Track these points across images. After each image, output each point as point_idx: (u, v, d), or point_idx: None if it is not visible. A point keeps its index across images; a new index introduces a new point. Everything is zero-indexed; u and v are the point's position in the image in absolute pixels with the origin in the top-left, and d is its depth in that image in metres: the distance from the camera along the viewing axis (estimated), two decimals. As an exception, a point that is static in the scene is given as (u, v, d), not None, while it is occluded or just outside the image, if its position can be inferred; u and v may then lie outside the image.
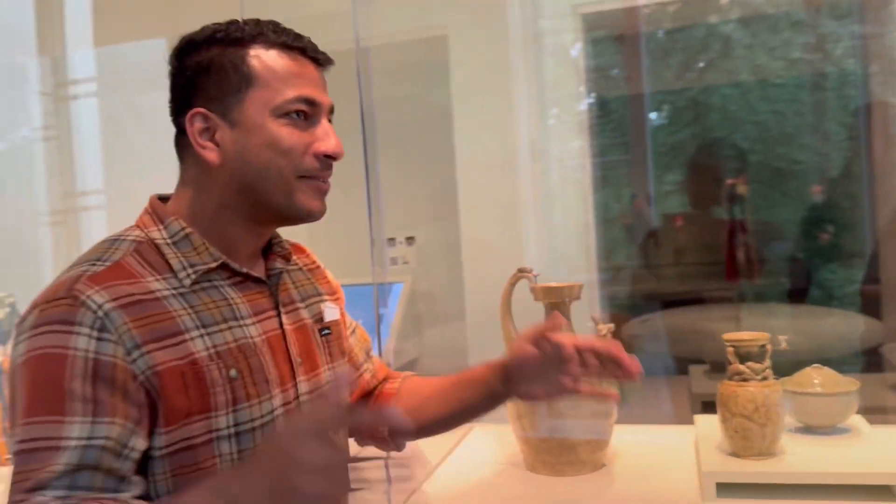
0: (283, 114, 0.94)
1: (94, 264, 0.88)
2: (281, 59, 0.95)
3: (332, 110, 1.01)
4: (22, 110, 2.85)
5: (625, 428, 1.70)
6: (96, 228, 2.90)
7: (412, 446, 1.53)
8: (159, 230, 0.95)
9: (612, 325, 1.49)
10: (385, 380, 1.26)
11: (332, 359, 1.08)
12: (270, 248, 1.05)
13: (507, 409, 1.46)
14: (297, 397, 0.99)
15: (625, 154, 3.91)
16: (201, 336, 0.90)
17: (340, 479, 0.79)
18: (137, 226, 0.97)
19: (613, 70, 3.44)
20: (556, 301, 1.48)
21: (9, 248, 2.63)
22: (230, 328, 0.93)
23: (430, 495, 1.39)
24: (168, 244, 0.94)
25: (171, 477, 0.86)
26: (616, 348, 1.04)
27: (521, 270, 1.52)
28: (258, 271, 1.01)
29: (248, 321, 0.96)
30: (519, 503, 1.33)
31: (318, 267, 1.18)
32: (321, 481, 0.75)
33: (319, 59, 0.99)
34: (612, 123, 3.87)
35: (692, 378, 2.37)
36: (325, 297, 1.12)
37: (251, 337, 0.95)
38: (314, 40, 1.01)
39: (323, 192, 0.99)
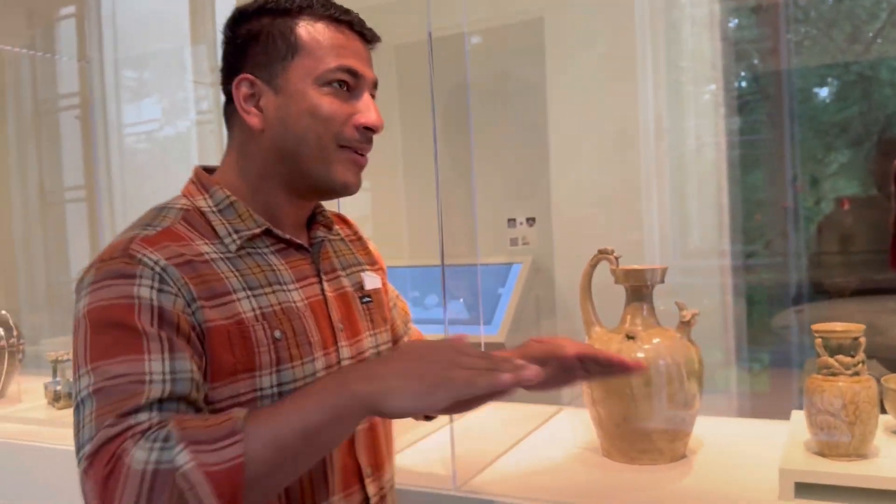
0: (325, 83, 0.95)
1: (145, 229, 0.91)
2: (327, 31, 0.97)
3: (375, 85, 1.02)
4: (182, 97, 3.10)
5: (717, 420, 1.62)
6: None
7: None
8: (205, 198, 0.98)
9: (696, 311, 1.42)
10: None
11: (373, 325, 1.09)
12: (314, 218, 1.07)
13: (584, 393, 1.44)
14: (338, 362, 1.00)
15: (780, 132, 3.64)
16: (248, 297, 0.91)
17: (492, 377, 0.79)
18: (184, 195, 1.00)
19: (762, 42, 3.21)
20: (638, 284, 1.44)
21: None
22: (274, 292, 0.95)
23: (499, 471, 1.40)
24: (214, 212, 0.96)
25: None
26: (612, 354, 1.06)
27: (601, 252, 1.48)
28: (301, 239, 1.03)
29: (291, 286, 0.97)
30: (585, 487, 1.31)
31: (360, 238, 1.19)
32: (475, 372, 0.78)
33: (366, 35, 1.01)
34: (767, 101, 3.62)
35: (805, 371, 2.19)
36: (366, 267, 1.13)
37: (294, 301, 0.96)
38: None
39: (360, 167, 1.00)
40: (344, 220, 1.19)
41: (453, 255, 2.90)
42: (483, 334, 2.77)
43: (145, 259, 0.86)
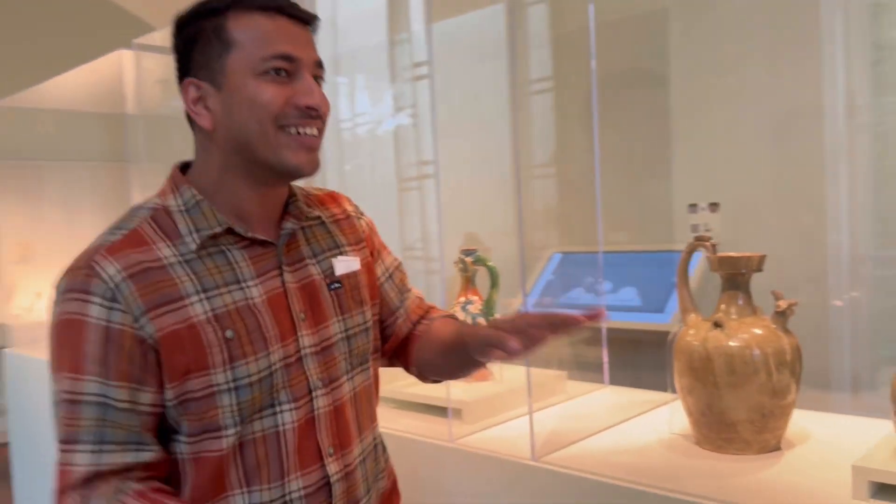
0: (262, 72, 0.97)
1: (113, 234, 0.98)
2: (258, 21, 0.98)
3: (319, 64, 1.03)
4: (385, 90, 3.36)
5: (834, 416, 1.54)
6: (432, 195, 3.34)
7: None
8: (175, 197, 1.02)
9: (794, 301, 1.37)
10: (420, 320, 1.26)
11: (342, 311, 1.10)
12: (288, 208, 1.09)
13: (677, 382, 1.44)
14: (299, 351, 1.04)
15: None
16: (200, 301, 0.96)
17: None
18: (159, 193, 1.04)
19: None
20: (733, 272, 1.41)
21: (375, 212, 3.22)
22: (230, 291, 0.99)
23: (584, 449, 1.46)
24: (181, 211, 1.00)
25: (187, 421, 0.96)
26: (569, 315, 1.01)
27: (698, 238, 1.47)
28: (269, 233, 1.06)
29: (251, 282, 1.01)
30: (661, 470, 1.33)
31: (348, 217, 1.19)
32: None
33: (300, 16, 1.02)
34: None
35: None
36: (346, 249, 1.14)
37: (252, 298, 1.00)
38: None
39: (308, 147, 1.01)
40: (333, 199, 1.20)
41: (626, 242, 2.92)
42: (652, 322, 2.76)
43: (102, 274, 0.93)
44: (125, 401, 0.93)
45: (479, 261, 1.76)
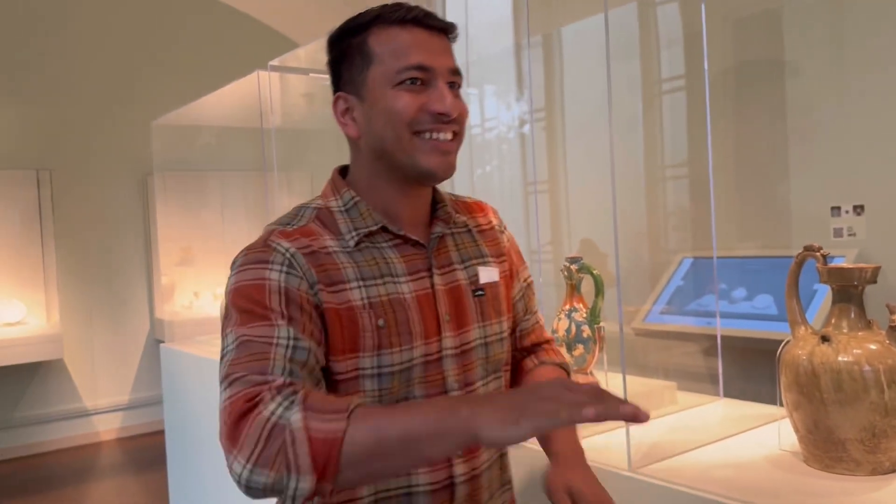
0: (398, 83, 1.03)
1: (283, 225, 1.06)
2: (395, 35, 1.04)
3: (455, 72, 1.07)
4: (511, 95, 3.39)
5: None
6: (559, 199, 3.35)
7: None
8: (336, 199, 1.10)
9: (911, 315, 1.28)
10: (532, 348, 1.27)
11: (482, 318, 1.13)
12: (435, 213, 1.14)
13: (784, 397, 1.39)
14: (440, 351, 1.08)
15: None
16: (359, 287, 1.03)
17: (573, 411, 0.75)
18: (321, 195, 1.13)
19: None
20: (845, 284, 1.35)
21: (502, 216, 3.28)
22: (385, 283, 1.05)
23: (685, 461, 1.44)
24: (341, 211, 1.08)
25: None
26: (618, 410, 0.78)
27: (807, 248, 1.41)
28: (419, 234, 1.11)
29: (402, 279, 1.06)
30: (762, 486, 1.29)
31: (492, 228, 1.23)
32: (560, 405, 0.75)
33: (436, 27, 1.06)
34: None
35: None
36: (489, 259, 1.18)
37: (402, 293, 1.05)
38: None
39: (441, 151, 1.05)
40: (480, 209, 1.25)
41: (760, 247, 2.82)
42: (785, 332, 2.64)
43: (278, 247, 1.01)
44: (309, 349, 0.96)
45: (585, 269, 1.77)
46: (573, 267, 1.79)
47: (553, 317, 1.83)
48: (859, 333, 1.31)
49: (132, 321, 5.81)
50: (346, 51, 1.07)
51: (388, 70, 1.04)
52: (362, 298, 1.02)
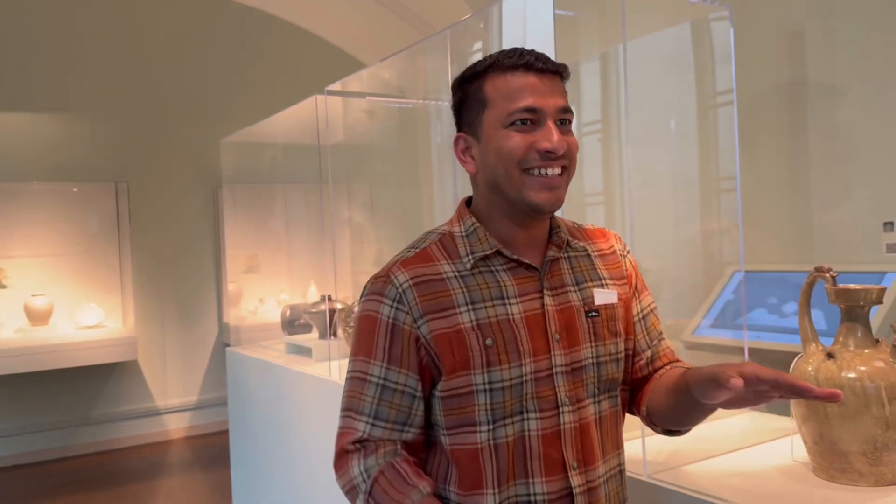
0: (508, 124, 1.14)
1: (408, 251, 1.21)
2: (508, 80, 1.15)
3: (564, 110, 1.15)
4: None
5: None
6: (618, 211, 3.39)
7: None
8: (459, 225, 1.22)
9: (913, 335, 1.35)
10: (662, 367, 1.31)
11: (596, 338, 1.21)
12: (550, 238, 1.23)
13: (793, 410, 1.47)
14: (550, 368, 1.16)
15: None
16: (468, 311, 1.14)
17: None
18: (449, 222, 1.25)
19: None
20: (852, 304, 1.42)
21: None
22: (493, 306, 1.15)
23: (699, 469, 1.52)
24: (462, 236, 1.20)
25: (444, 415, 1.16)
26: (804, 385, 0.99)
27: (818, 270, 1.49)
28: (533, 258, 1.20)
29: (513, 300, 1.16)
30: (772, 494, 1.37)
31: (614, 252, 1.29)
32: None
33: (547, 70, 1.15)
34: None
35: None
36: (607, 282, 1.24)
37: (511, 314, 1.15)
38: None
39: (549, 186, 1.14)
40: (602, 235, 1.32)
41: (810, 263, 2.86)
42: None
43: (395, 281, 1.16)
44: (400, 384, 1.15)
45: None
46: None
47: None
48: (865, 351, 1.38)
49: (202, 325, 6.10)
50: (466, 96, 1.20)
51: (500, 112, 1.14)
52: (471, 321, 1.14)
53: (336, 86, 2.78)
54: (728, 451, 1.62)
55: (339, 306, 3.22)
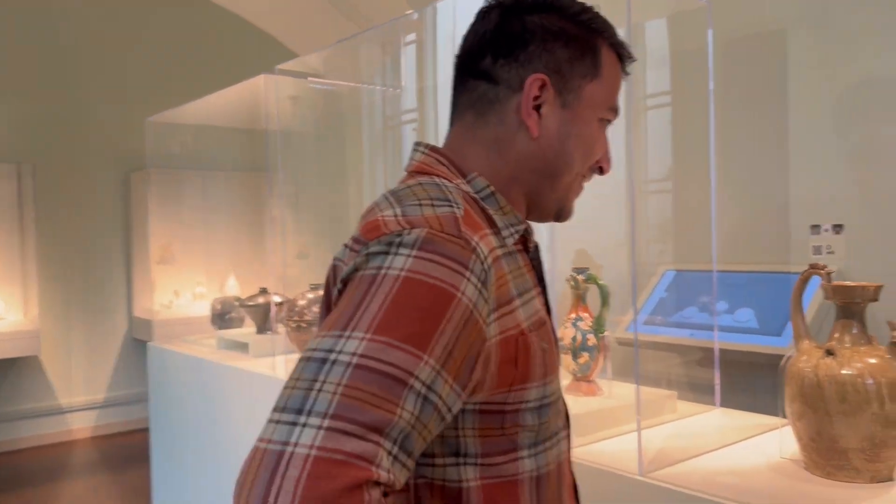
0: (602, 117, 0.93)
1: (452, 206, 0.80)
2: (616, 67, 0.94)
3: None
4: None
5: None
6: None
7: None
8: (463, 183, 0.88)
9: (910, 332, 1.36)
10: None
11: None
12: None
13: (787, 407, 1.46)
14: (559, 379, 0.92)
15: None
16: (522, 305, 0.83)
17: None
18: (437, 174, 0.88)
19: None
20: (847, 301, 1.42)
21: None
22: (531, 299, 0.86)
23: (692, 467, 1.50)
24: (478, 200, 0.87)
25: (479, 436, 0.81)
26: None
27: (813, 267, 1.49)
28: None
29: (534, 292, 0.88)
30: (767, 492, 1.35)
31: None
32: None
33: (628, 75, 0.97)
34: None
35: None
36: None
37: (540, 310, 0.88)
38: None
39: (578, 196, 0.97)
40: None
41: (743, 262, 2.91)
42: (769, 346, 2.72)
43: (479, 249, 0.77)
44: (442, 400, 0.72)
45: (591, 279, 1.83)
46: (580, 277, 1.85)
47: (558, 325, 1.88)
48: (861, 348, 1.39)
49: (110, 319, 5.76)
50: (576, 40, 0.90)
51: (605, 98, 0.92)
52: (527, 318, 0.83)
53: (287, 65, 2.64)
54: (714, 449, 1.60)
55: (277, 299, 3.07)
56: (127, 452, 5.06)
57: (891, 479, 1.37)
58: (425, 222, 0.77)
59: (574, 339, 1.84)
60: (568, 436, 0.97)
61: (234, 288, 4.54)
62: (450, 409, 0.74)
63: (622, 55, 0.94)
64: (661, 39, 3.16)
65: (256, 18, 6.00)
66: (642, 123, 3.18)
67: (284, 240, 3.75)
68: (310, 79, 3.21)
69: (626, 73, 0.96)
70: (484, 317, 0.76)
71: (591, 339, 1.83)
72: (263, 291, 3.16)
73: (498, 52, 0.89)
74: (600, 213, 3.08)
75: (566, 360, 1.87)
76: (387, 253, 0.74)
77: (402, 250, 0.74)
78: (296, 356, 2.70)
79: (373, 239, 0.77)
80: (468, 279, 0.74)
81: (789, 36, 2.68)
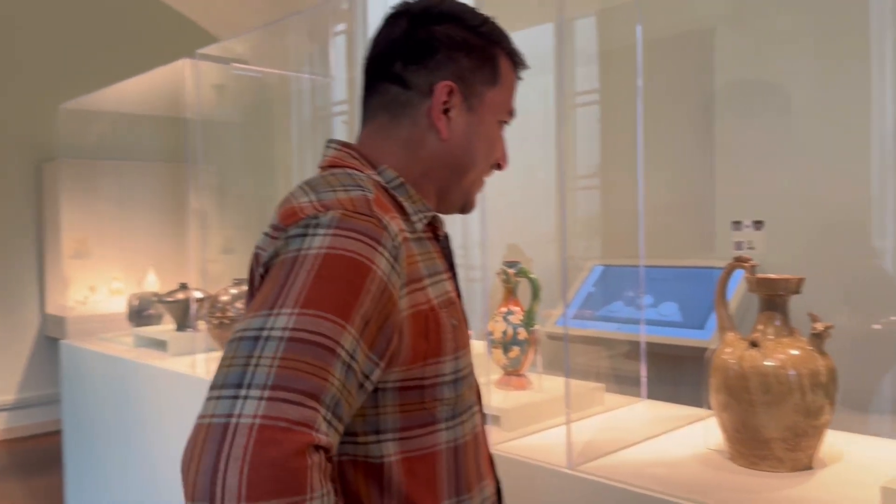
0: (500, 120, 1.03)
1: (360, 190, 0.87)
2: (511, 73, 1.04)
3: None
4: None
5: (862, 438, 1.56)
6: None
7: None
8: (375, 175, 0.95)
9: (830, 324, 1.39)
10: None
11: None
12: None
13: (712, 398, 1.48)
14: (470, 354, 1.00)
15: None
16: (431, 284, 0.91)
17: None
18: (349, 166, 0.95)
19: None
20: (771, 294, 1.44)
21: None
22: (441, 280, 0.94)
23: (619, 460, 1.50)
24: (388, 189, 0.94)
25: (400, 412, 0.87)
26: None
27: (737, 260, 1.51)
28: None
29: (444, 276, 0.96)
30: (693, 483, 1.36)
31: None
32: None
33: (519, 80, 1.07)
34: None
35: None
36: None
37: (449, 292, 0.95)
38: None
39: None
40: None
41: (668, 257, 2.96)
42: (692, 339, 2.77)
43: (389, 227, 0.84)
44: (360, 369, 0.78)
45: (522, 273, 1.82)
46: (511, 271, 1.83)
47: (489, 318, 1.87)
48: (784, 339, 1.41)
49: (20, 316, 5.48)
50: (473, 48, 0.98)
51: (504, 102, 1.03)
52: (437, 296, 0.91)
53: (208, 50, 2.54)
54: (641, 441, 1.61)
55: (198, 295, 2.97)
56: (39, 456, 4.83)
57: (811, 468, 1.40)
58: (339, 205, 0.83)
59: (505, 332, 1.82)
60: (480, 410, 1.04)
61: (153, 283, 4.38)
62: (367, 377, 0.80)
63: (516, 63, 1.04)
64: (591, 37, 3.19)
65: (175, 1, 5.79)
66: (572, 120, 3.21)
67: (207, 233, 3.64)
68: (234, 65, 3.11)
69: (520, 79, 1.06)
70: (397, 289, 0.83)
71: (522, 333, 1.81)
72: (183, 287, 3.05)
73: (408, 58, 0.97)
74: (532, 209, 3.11)
75: (496, 354, 1.86)
76: (305, 235, 0.81)
77: (319, 230, 0.81)
78: (217, 354, 2.62)
79: (291, 224, 0.83)
80: (381, 253, 0.82)
81: (716, 35, 2.73)
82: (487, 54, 0.99)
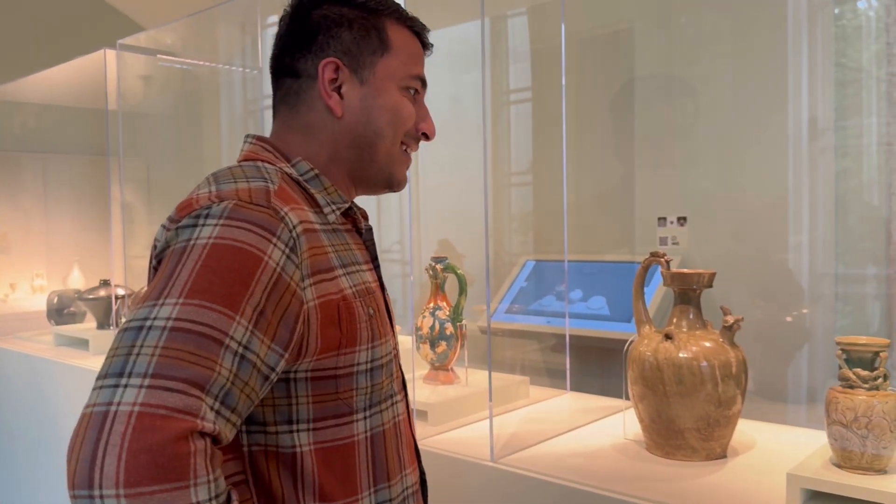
0: (404, 87, 1.00)
1: (262, 181, 0.88)
2: (411, 39, 1.02)
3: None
4: None
5: (774, 427, 1.62)
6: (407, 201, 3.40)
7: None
8: (288, 167, 0.96)
9: (740, 316, 1.44)
10: None
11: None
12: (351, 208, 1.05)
13: (630, 390, 1.51)
14: (395, 346, 1.01)
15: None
16: (345, 274, 0.91)
17: None
18: (264, 159, 0.96)
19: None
20: (684, 287, 1.49)
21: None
22: (358, 271, 0.94)
23: (541, 452, 1.53)
24: (302, 181, 0.95)
25: (313, 403, 0.88)
26: None
27: (653, 255, 1.55)
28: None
29: (364, 267, 0.97)
30: (610, 472, 1.40)
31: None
32: None
33: (428, 46, 1.06)
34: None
35: None
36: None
37: (368, 282, 0.96)
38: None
39: (408, 167, 1.05)
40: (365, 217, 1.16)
41: (594, 252, 3.01)
42: (619, 331, 2.83)
43: (287, 219, 0.84)
44: (261, 359, 0.78)
45: (449, 268, 1.83)
46: (438, 266, 1.84)
47: (418, 314, 1.87)
48: (697, 332, 1.46)
49: (-66, 315, 5.23)
50: (354, 22, 0.98)
51: (401, 68, 1.00)
52: (350, 287, 0.91)
53: (129, 40, 2.47)
54: (563, 432, 1.64)
55: (121, 292, 2.89)
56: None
57: (724, 457, 1.45)
58: (235, 195, 0.84)
59: (432, 328, 1.83)
60: (405, 399, 1.05)
61: (78, 280, 4.25)
62: (272, 369, 0.80)
63: (413, 27, 1.03)
64: (523, 34, 3.22)
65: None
66: (505, 117, 3.24)
67: (133, 228, 3.54)
68: (160, 56, 3.03)
69: (427, 45, 1.05)
70: (297, 280, 0.83)
71: (449, 328, 1.82)
72: (105, 284, 2.97)
73: (294, 48, 0.99)
74: (465, 205, 3.12)
75: (424, 349, 1.86)
76: (195, 225, 0.81)
77: (210, 220, 0.81)
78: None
79: (184, 216, 0.83)
80: (275, 244, 0.81)
81: (636, 35, 2.79)
82: (371, 24, 0.99)
